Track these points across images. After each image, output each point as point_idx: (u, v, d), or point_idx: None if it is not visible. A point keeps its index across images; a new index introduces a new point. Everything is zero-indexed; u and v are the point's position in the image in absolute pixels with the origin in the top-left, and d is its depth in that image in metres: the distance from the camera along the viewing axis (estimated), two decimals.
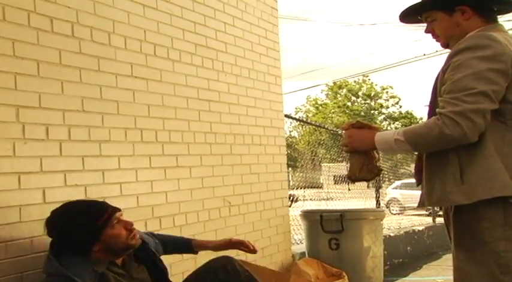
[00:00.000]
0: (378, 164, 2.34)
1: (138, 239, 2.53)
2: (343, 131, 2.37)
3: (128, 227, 2.48)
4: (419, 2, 2.29)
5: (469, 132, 1.96)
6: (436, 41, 2.29)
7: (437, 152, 2.11)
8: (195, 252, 3.10)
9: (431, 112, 2.19)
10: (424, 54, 21.99)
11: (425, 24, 2.32)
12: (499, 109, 2.02)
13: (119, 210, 2.51)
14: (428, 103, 2.27)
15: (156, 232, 3.07)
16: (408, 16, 2.35)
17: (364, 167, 2.31)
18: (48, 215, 2.45)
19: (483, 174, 2.01)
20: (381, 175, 8.80)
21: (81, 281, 2.26)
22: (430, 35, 2.30)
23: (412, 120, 45.80)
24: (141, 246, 2.61)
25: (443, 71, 2.09)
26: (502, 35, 2.07)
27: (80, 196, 2.80)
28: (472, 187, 2.02)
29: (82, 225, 2.39)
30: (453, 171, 2.06)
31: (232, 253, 3.11)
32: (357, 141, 2.29)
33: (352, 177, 2.35)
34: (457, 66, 2.02)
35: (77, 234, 2.37)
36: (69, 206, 2.50)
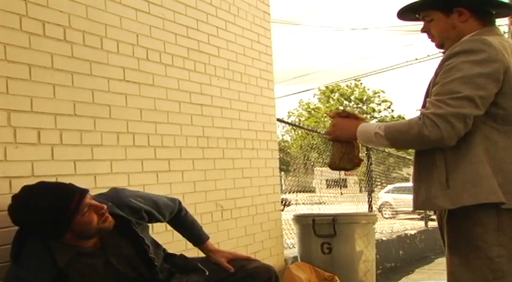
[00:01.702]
0: (359, 155, 2.35)
1: (111, 221, 2.37)
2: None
3: (99, 211, 2.32)
4: (418, 1, 2.28)
5: (447, 136, 1.96)
6: (431, 41, 2.28)
7: (425, 156, 2.12)
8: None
9: None
10: (416, 59, 22.12)
11: (421, 24, 2.31)
12: (492, 114, 2.02)
13: (87, 191, 2.33)
14: (420, 107, 2.28)
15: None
16: (406, 13, 2.34)
17: (345, 156, 2.31)
18: None
19: (469, 179, 2.01)
20: (373, 179, 8.81)
21: (32, 277, 2.18)
22: (425, 34, 2.29)
23: None
24: (122, 222, 2.46)
25: (436, 74, 2.09)
26: (497, 39, 2.07)
27: None
28: (458, 192, 2.02)
29: (51, 217, 2.21)
30: (439, 175, 2.06)
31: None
32: (339, 130, 2.30)
33: (332, 166, 2.37)
34: (449, 69, 2.02)
35: (46, 226, 2.24)
36: (32, 192, 2.30)
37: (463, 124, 1.96)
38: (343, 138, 2.30)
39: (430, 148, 2.07)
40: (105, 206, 2.37)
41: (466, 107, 1.96)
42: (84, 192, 2.32)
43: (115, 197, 2.57)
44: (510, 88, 2.02)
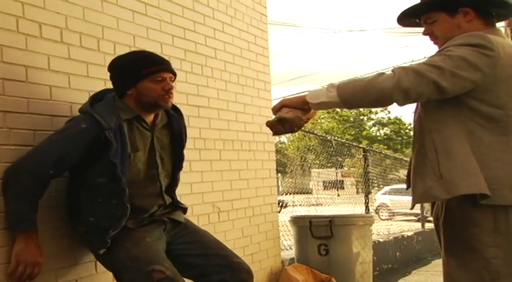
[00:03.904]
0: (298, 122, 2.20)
1: (169, 104, 2.68)
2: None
3: (165, 88, 2.61)
4: (421, 3, 2.29)
5: (396, 81, 1.95)
6: (434, 43, 2.28)
7: (419, 150, 2.13)
8: None
9: (418, 116, 2.20)
10: (412, 61, 22.14)
11: (414, 28, 2.33)
12: (478, 110, 2.04)
13: (173, 73, 2.68)
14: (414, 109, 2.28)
15: None
16: (407, 18, 2.35)
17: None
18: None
19: (465, 169, 2.02)
20: (370, 181, 8.81)
21: (102, 120, 2.48)
22: (420, 36, 2.31)
23: (400, 126, 46.05)
24: (176, 114, 2.86)
25: None
26: (499, 39, 2.09)
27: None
28: (454, 181, 2.02)
29: (128, 67, 2.63)
30: (432, 166, 2.07)
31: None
32: (286, 100, 2.21)
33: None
34: (442, 50, 2.07)
35: (121, 74, 2.66)
36: (138, 51, 2.94)
37: (419, 79, 1.96)
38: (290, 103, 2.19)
39: (393, 104, 2.06)
40: (174, 88, 2.67)
41: (432, 72, 1.97)
42: (170, 70, 2.67)
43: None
44: (496, 86, 2.03)
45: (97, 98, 2.68)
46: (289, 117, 2.15)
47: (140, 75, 2.59)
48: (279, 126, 2.18)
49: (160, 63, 2.65)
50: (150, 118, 2.72)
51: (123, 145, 2.55)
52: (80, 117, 2.57)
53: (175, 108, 2.87)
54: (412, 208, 2.40)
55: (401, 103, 2.01)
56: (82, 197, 2.62)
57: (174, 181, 2.93)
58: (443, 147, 2.06)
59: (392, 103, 2.03)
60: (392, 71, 2.02)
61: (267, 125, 2.23)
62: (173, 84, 2.68)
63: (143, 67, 2.60)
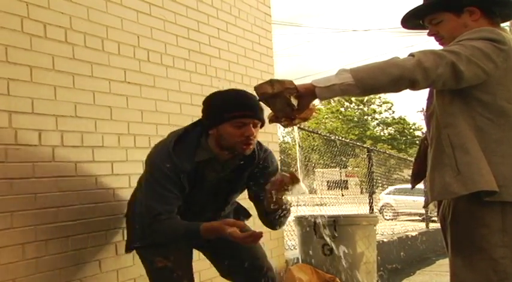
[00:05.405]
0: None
1: (247, 151, 2.59)
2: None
3: (245, 134, 2.53)
4: (425, 4, 2.28)
5: (417, 61, 1.92)
6: (440, 43, 2.27)
7: (436, 146, 2.12)
8: None
9: (429, 117, 2.20)
10: None
11: (418, 31, 2.32)
12: (489, 105, 2.04)
13: (259, 120, 2.57)
14: (424, 108, 2.28)
15: None
16: (411, 19, 2.34)
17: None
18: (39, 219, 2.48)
19: (482, 165, 2.00)
20: (374, 180, 8.80)
21: (180, 163, 2.53)
22: (426, 36, 2.30)
23: (404, 126, 46.02)
24: (247, 162, 2.69)
25: None
26: (507, 36, 2.10)
27: (73, 203, 2.79)
28: (472, 177, 2.00)
29: (213, 108, 2.60)
30: (450, 161, 2.05)
31: None
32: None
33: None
34: (455, 42, 2.06)
35: (207, 112, 2.63)
36: (231, 90, 2.85)
37: (438, 60, 1.93)
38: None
39: (402, 88, 1.98)
40: (255, 136, 2.59)
41: (450, 55, 1.95)
42: (256, 117, 2.56)
43: (270, 153, 2.84)
44: (506, 79, 2.04)
45: (185, 132, 2.68)
46: (282, 79, 1.96)
47: (222, 118, 2.54)
48: (267, 86, 1.96)
49: (244, 109, 2.55)
50: (227, 157, 2.66)
51: (186, 184, 2.60)
52: (164, 155, 2.58)
53: (250, 158, 2.70)
54: (426, 206, 2.38)
55: (421, 83, 1.95)
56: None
57: (219, 212, 2.88)
58: (458, 142, 2.04)
59: (411, 84, 1.95)
60: (410, 54, 1.99)
61: (254, 88, 2.00)
62: (256, 130, 2.58)
63: (226, 110, 2.53)
